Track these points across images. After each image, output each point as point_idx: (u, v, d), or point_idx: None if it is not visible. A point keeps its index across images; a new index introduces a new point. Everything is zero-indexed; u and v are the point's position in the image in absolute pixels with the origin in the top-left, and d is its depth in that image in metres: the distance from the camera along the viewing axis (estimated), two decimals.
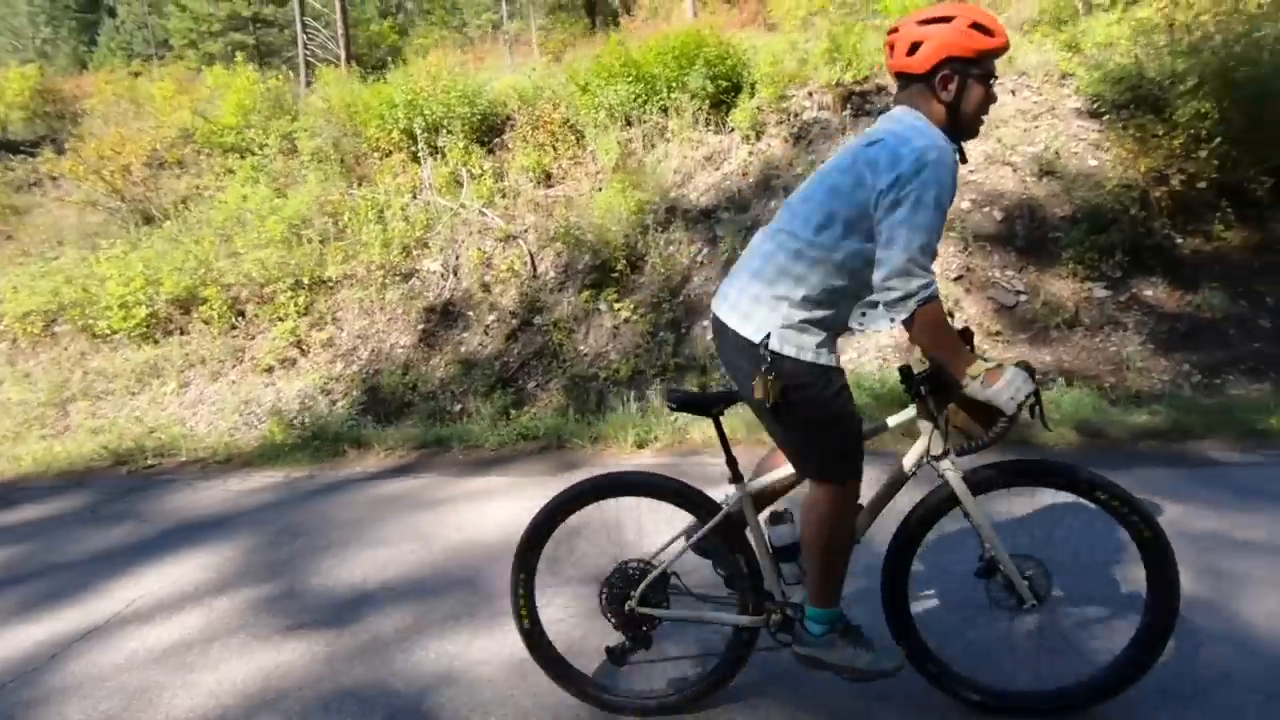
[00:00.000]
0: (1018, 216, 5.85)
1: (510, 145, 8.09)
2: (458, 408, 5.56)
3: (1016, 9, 7.74)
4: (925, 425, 1.73)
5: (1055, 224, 5.74)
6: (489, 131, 8.33)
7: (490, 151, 8.12)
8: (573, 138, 7.80)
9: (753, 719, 1.90)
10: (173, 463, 5.07)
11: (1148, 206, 5.44)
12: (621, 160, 7.29)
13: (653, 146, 7.51)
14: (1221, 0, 6.34)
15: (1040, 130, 6.36)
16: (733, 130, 7.27)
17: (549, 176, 7.72)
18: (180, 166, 9.88)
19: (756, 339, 1.60)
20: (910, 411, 1.77)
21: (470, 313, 6.48)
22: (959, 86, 1.56)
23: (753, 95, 7.20)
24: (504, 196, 7.49)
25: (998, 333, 5.25)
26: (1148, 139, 5.58)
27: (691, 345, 5.71)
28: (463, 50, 16.37)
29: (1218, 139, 5.21)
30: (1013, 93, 6.84)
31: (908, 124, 1.57)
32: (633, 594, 1.87)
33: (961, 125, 1.60)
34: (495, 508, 3.45)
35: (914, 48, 1.57)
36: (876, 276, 1.54)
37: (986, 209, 5.98)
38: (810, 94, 7.27)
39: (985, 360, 1.60)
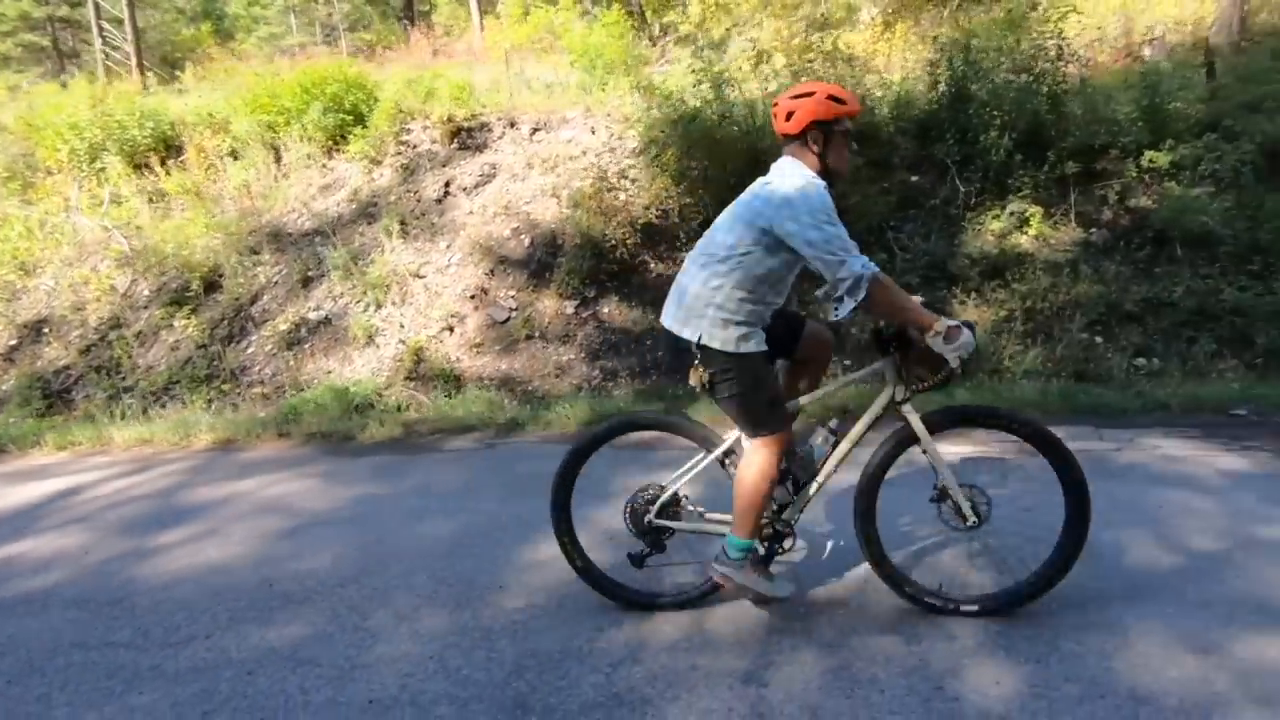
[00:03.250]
0: (542, 244, 6.70)
1: (175, 168, 8.49)
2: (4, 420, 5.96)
3: None
4: (892, 376, 2.17)
5: (569, 251, 6.60)
6: (169, 151, 8.70)
7: (167, 172, 8.47)
8: (220, 162, 8.29)
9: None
10: None
11: (631, 236, 6.35)
12: (246, 185, 7.83)
13: (285, 173, 8.07)
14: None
15: (596, 166, 7.25)
16: (355, 159, 7.92)
17: (199, 197, 8.18)
18: None
19: (693, 339, 2.10)
20: (877, 365, 2.20)
21: (56, 329, 6.87)
22: (825, 141, 2.08)
23: (366, 128, 7.87)
24: (138, 216, 7.90)
25: (480, 344, 6.06)
26: (650, 180, 6.56)
27: (226, 360, 6.29)
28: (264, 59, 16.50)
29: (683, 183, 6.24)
30: (592, 131, 7.76)
31: (788, 169, 2.09)
32: (651, 510, 2.32)
33: (830, 170, 2.11)
34: None
35: (789, 115, 2.08)
36: (828, 277, 1.98)
37: (522, 236, 6.81)
38: (425, 128, 8.01)
39: (946, 319, 1.98)
